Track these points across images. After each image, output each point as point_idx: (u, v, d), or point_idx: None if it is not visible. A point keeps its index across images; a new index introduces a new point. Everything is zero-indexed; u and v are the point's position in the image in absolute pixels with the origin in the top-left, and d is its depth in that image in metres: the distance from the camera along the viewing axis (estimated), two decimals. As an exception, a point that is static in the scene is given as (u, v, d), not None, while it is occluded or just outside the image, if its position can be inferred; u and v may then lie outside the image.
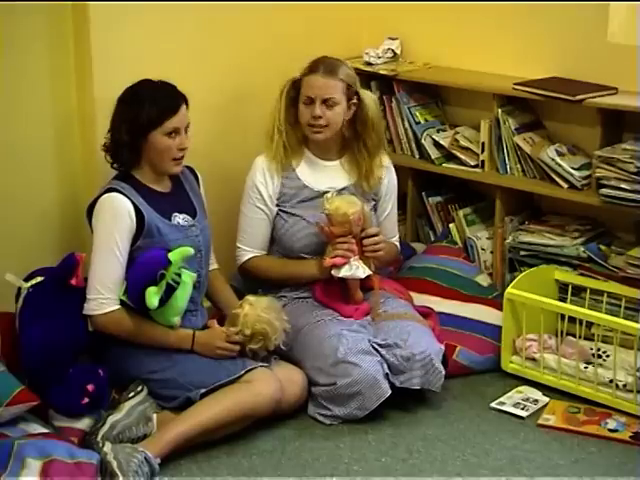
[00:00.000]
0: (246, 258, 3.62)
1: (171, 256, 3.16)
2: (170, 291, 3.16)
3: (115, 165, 3.31)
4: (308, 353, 3.39)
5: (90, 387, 3.14)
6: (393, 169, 3.74)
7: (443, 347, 3.46)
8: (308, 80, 3.51)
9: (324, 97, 3.49)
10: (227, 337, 3.28)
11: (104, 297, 3.19)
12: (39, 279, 3.25)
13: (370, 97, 3.62)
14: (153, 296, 3.13)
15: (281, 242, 3.62)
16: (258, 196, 3.58)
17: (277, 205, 3.59)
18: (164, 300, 3.16)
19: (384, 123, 4.05)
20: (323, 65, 3.51)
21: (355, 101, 3.55)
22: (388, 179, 3.70)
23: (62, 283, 3.21)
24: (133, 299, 3.18)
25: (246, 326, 3.26)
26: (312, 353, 3.38)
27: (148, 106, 3.20)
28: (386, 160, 3.71)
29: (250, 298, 3.34)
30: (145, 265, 3.17)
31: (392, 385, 3.32)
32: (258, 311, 3.29)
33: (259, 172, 3.59)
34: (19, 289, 3.26)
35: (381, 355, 3.34)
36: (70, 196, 3.63)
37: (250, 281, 3.67)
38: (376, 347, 3.36)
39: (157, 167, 3.30)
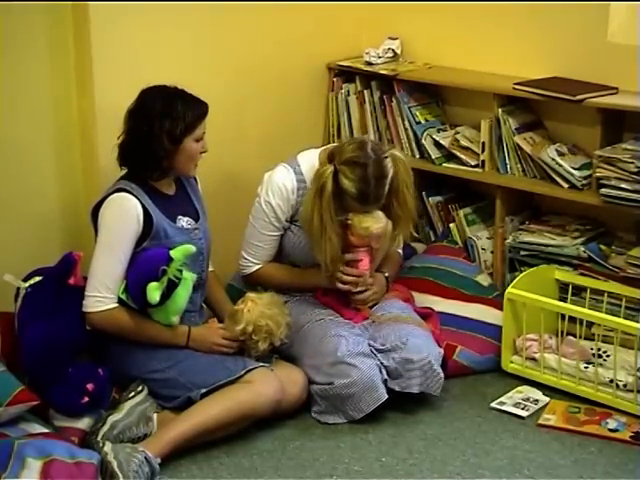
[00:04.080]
0: (253, 270, 3.58)
1: (173, 253, 3.16)
2: (172, 288, 3.16)
3: (128, 169, 3.28)
4: (307, 351, 3.39)
5: (90, 386, 3.14)
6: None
7: (442, 351, 3.45)
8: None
9: None
10: (229, 335, 3.28)
11: (102, 295, 3.19)
12: (37, 279, 3.25)
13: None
14: (154, 291, 3.12)
15: (286, 253, 3.58)
16: (273, 214, 3.48)
17: (288, 221, 3.52)
18: (166, 296, 3.15)
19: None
20: (374, 198, 3.31)
21: None
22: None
23: (60, 282, 3.22)
24: (134, 295, 3.18)
25: (249, 322, 3.25)
26: (311, 351, 3.38)
27: (184, 113, 3.20)
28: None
29: (251, 295, 3.33)
30: (147, 261, 3.17)
31: (391, 389, 3.32)
32: (261, 307, 3.28)
33: (276, 191, 3.45)
34: (18, 289, 3.27)
35: (379, 359, 3.34)
36: (70, 200, 3.64)
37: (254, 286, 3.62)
38: (374, 351, 3.36)
39: (179, 171, 3.30)
